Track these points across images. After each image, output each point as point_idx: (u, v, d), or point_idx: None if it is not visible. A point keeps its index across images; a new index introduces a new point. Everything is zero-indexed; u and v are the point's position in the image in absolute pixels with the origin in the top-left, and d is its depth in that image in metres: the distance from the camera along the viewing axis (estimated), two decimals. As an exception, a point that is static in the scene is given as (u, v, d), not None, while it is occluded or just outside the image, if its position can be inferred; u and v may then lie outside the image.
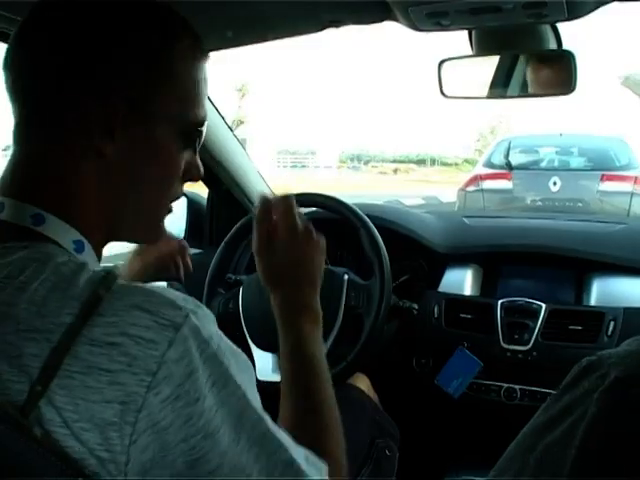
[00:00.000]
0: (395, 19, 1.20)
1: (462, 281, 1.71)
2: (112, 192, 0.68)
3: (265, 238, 0.94)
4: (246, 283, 1.52)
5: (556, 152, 7.67)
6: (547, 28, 1.31)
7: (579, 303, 1.63)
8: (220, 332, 0.60)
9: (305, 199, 1.65)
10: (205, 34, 0.74)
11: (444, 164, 50.01)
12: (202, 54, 0.73)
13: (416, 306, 1.62)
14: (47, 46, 0.66)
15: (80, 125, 0.65)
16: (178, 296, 0.59)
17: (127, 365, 0.53)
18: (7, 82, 0.68)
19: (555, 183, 6.93)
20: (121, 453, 0.52)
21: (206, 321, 0.59)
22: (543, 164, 7.58)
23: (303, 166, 44.88)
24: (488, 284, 1.72)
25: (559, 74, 1.36)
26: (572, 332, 1.52)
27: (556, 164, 7.52)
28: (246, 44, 1.38)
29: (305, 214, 1.90)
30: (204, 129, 0.75)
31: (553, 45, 1.34)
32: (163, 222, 0.77)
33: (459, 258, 1.76)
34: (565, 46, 1.33)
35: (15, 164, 0.68)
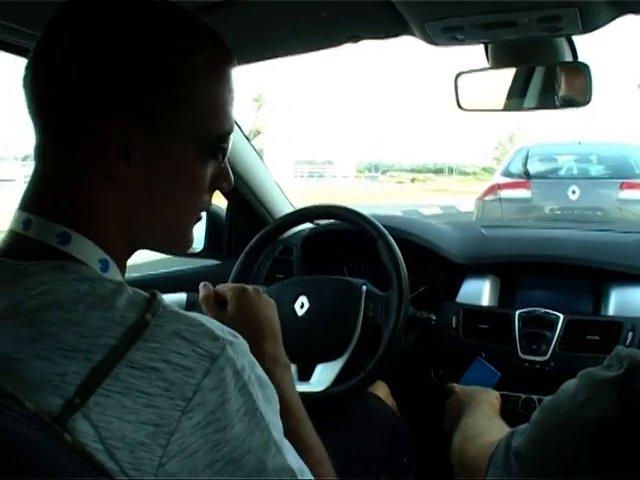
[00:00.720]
0: (411, 34, 1.22)
1: (480, 292, 1.71)
2: (134, 210, 0.68)
3: (217, 310, 0.99)
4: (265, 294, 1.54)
5: (575, 160, 7.62)
6: (562, 40, 1.32)
7: (597, 313, 1.63)
8: (253, 360, 0.63)
9: (322, 211, 1.67)
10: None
11: (462, 173, 49.83)
12: (226, 64, 0.71)
13: (434, 317, 1.63)
14: (60, 63, 0.65)
15: (93, 146, 0.64)
16: (217, 326, 0.61)
17: (164, 390, 0.55)
18: (26, 100, 0.68)
19: (574, 192, 6.89)
20: (149, 474, 0.54)
21: (241, 352, 0.61)
22: (562, 172, 7.53)
23: (320, 176, 44.88)
24: (506, 294, 1.73)
25: (575, 86, 1.37)
26: (590, 342, 1.52)
27: (575, 172, 7.48)
28: (263, 60, 1.41)
29: (323, 226, 1.93)
30: (229, 142, 0.73)
31: (569, 57, 1.35)
32: (191, 231, 0.76)
33: (477, 269, 1.77)
34: (581, 58, 1.35)
35: (38, 181, 0.68)
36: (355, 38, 1.27)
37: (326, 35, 1.28)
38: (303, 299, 1.48)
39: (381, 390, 1.50)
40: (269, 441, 0.61)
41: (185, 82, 0.67)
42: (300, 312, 1.48)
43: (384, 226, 1.49)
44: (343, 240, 1.84)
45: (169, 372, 0.56)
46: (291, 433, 0.79)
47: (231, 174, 0.76)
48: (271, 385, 0.65)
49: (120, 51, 0.65)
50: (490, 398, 1.33)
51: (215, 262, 2.10)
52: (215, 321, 0.62)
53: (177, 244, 0.76)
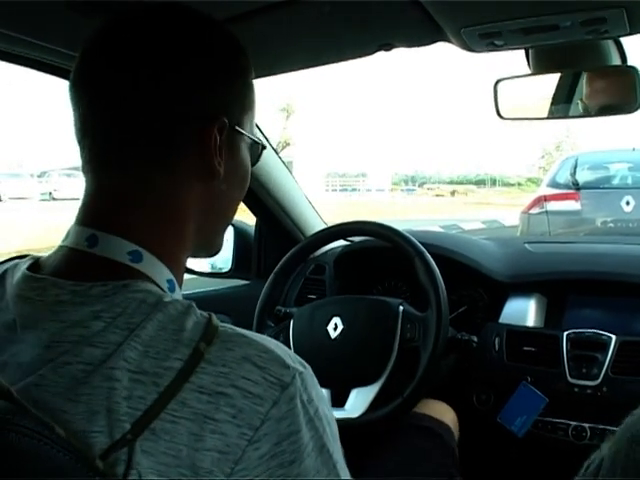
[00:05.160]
0: (447, 40, 1.23)
1: (524, 311, 1.70)
2: (206, 218, 0.72)
3: None
4: (296, 316, 1.56)
5: (629, 168, 7.49)
6: (609, 42, 1.32)
7: (654, 334, 1.61)
8: (321, 394, 0.63)
9: (355, 228, 1.69)
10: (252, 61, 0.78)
11: (506, 184, 49.43)
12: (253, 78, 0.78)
13: (475, 339, 1.62)
14: (132, 76, 0.66)
15: (187, 149, 0.67)
16: (287, 354, 0.61)
17: (232, 417, 0.56)
18: (80, 113, 0.68)
19: (628, 202, 6.76)
20: None
21: (311, 383, 0.61)
22: (614, 182, 7.39)
23: (354, 189, 44.93)
24: (553, 314, 1.72)
25: (622, 91, 1.37)
26: (646, 365, 1.51)
27: (629, 181, 7.34)
28: (294, 70, 1.43)
29: (357, 243, 1.94)
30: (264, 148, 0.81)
31: (617, 60, 1.35)
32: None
33: (521, 287, 1.76)
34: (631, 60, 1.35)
35: (102, 195, 0.68)
36: (387, 46, 1.28)
37: (357, 44, 1.30)
38: (336, 320, 1.50)
39: (446, 414, 1.50)
40: None
41: (250, 85, 0.75)
42: (333, 334, 1.49)
43: (421, 243, 1.50)
44: (378, 258, 1.85)
45: (237, 398, 0.56)
46: None
47: None
48: (335, 422, 0.65)
49: (168, 60, 0.67)
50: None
51: (243, 282, 2.12)
52: (285, 348, 0.63)
53: (216, 247, 0.80)
